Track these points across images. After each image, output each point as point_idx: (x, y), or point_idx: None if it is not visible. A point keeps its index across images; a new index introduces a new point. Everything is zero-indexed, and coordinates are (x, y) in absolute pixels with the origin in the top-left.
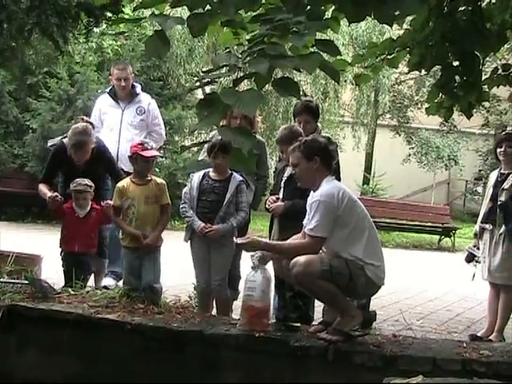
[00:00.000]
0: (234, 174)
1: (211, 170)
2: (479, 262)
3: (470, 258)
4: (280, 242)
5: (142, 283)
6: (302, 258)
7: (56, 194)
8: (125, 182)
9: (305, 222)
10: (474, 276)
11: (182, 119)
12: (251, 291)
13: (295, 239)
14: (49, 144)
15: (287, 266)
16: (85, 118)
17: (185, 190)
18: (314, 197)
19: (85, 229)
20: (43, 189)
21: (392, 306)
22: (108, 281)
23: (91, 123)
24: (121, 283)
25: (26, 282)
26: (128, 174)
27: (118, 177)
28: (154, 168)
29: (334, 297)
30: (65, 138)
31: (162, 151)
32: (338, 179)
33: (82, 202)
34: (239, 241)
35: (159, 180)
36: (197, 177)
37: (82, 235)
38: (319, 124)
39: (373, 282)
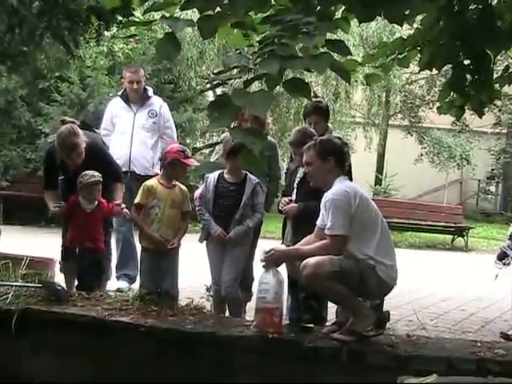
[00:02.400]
0: (249, 175)
1: (225, 171)
2: (509, 264)
3: (502, 257)
4: (301, 247)
5: (158, 287)
6: (311, 260)
7: (56, 205)
8: (153, 182)
9: (318, 222)
10: (496, 276)
11: (193, 122)
12: (264, 293)
13: (308, 240)
14: (49, 140)
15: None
16: (66, 118)
17: (198, 191)
18: (326, 196)
19: (93, 224)
20: (47, 198)
21: (405, 306)
22: (121, 283)
23: (74, 122)
24: (133, 286)
25: (40, 285)
26: (140, 176)
27: (118, 176)
28: None
29: (345, 297)
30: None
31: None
32: (350, 180)
33: (91, 196)
34: (263, 257)
35: (183, 186)
36: (212, 179)
37: (90, 231)
38: (330, 125)
39: (385, 282)
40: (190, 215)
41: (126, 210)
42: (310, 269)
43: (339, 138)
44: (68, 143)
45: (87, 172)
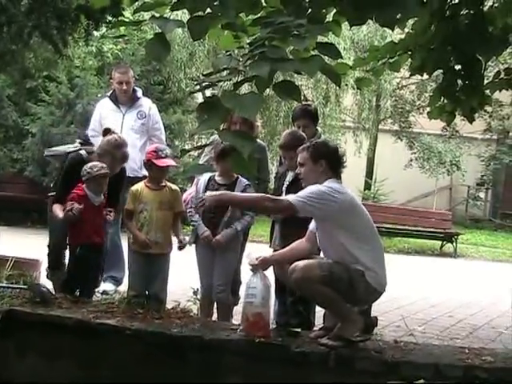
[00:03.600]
0: (240, 177)
1: (217, 173)
2: None
3: None
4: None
5: (147, 290)
6: (300, 264)
7: (70, 206)
8: (139, 186)
9: (310, 226)
10: None
11: (182, 124)
12: (251, 297)
13: (298, 244)
14: (47, 153)
15: (289, 271)
16: (111, 128)
17: (186, 193)
18: None
19: (100, 218)
20: (56, 209)
21: (393, 311)
22: (107, 286)
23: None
24: (120, 288)
25: (25, 286)
26: (129, 178)
27: (117, 203)
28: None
29: (333, 302)
30: (80, 149)
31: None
32: None
33: (100, 189)
34: (251, 263)
35: (174, 186)
36: (203, 181)
37: (99, 225)
38: (319, 128)
39: (374, 289)
40: (182, 216)
41: (109, 216)
42: (299, 272)
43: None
44: (121, 153)
45: (95, 163)
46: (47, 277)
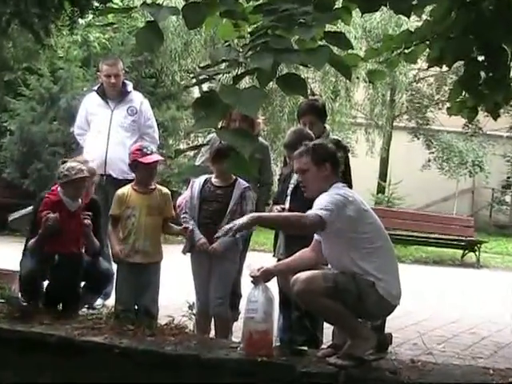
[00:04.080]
0: (239, 179)
1: (213, 175)
2: None
3: None
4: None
5: (137, 304)
6: (303, 275)
7: (46, 216)
8: (125, 190)
9: (316, 234)
10: None
11: (176, 120)
12: (252, 312)
13: (303, 253)
14: (11, 219)
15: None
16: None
17: (181, 197)
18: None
19: (78, 225)
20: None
21: (410, 327)
22: None
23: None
24: (107, 302)
25: (3, 300)
26: (117, 181)
27: (97, 247)
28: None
29: (341, 317)
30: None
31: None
32: (350, 187)
33: (77, 193)
34: (251, 274)
35: (164, 190)
36: (198, 183)
37: (74, 233)
38: (328, 126)
39: (386, 301)
40: (174, 221)
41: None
42: (301, 284)
43: (338, 142)
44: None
45: (73, 165)
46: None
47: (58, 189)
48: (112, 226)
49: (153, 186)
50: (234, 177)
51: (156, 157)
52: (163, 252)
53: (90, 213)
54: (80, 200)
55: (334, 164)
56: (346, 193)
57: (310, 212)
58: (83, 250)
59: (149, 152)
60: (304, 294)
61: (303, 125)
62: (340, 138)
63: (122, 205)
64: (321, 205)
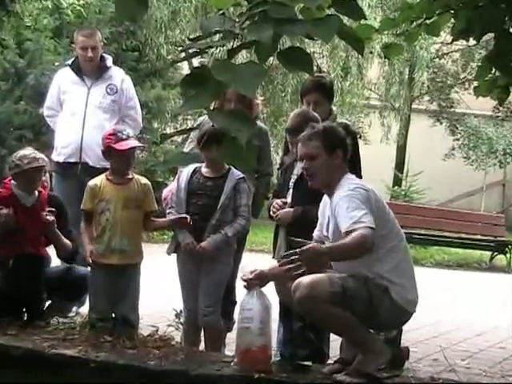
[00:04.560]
0: (233, 169)
1: (203, 164)
2: None
3: None
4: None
5: (114, 312)
6: (305, 279)
7: None
8: (98, 180)
9: (315, 233)
10: None
11: (162, 101)
12: (247, 322)
13: None
14: None
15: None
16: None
17: (167, 190)
18: (337, 195)
19: (35, 222)
20: None
21: (430, 340)
22: None
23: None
24: (82, 309)
25: None
26: (94, 169)
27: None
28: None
29: (350, 327)
30: None
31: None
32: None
33: (32, 186)
34: (244, 278)
35: (143, 180)
36: (185, 174)
37: (32, 231)
38: (336, 108)
39: (401, 308)
40: (156, 215)
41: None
42: (304, 290)
43: (346, 126)
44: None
45: (26, 153)
46: None
47: (11, 182)
48: (85, 222)
49: (130, 176)
50: (228, 166)
51: (132, 142)
52: (145, 252)
53: (53, 209)
54: (36, 193)
55: (345, 151)
56: (364, 185)
57: (354, 235)
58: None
59: (124, 137)
60: (307, 301)
61: (307, 104)
62: (349, 123)
63: (95, 197)
64: (355, 216)
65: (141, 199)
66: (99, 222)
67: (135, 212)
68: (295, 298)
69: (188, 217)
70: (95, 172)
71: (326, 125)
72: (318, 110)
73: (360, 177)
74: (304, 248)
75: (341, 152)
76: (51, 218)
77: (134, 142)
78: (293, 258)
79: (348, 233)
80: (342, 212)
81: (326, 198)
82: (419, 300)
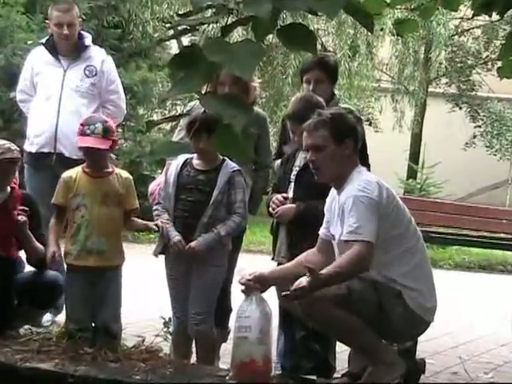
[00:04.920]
0: (227, 161)
1: (194, 156)
2: None
3: None
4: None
5: (93, 320)
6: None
7: None
8: (74, 172)
9: (322, 230)
10: None
11: (148, 84)
12: (245, 331)
13: (309, 256)
14: None
15: None
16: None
17: (153, 184)
18: (345, 193)
19: (7, 221)
20: None
21: (449, 351)
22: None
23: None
24: (59, 318)
25: None
26: (70, 161)
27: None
28: (113, 155)
29: (358, 332)
30: None
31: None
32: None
33: (4, 180)
34: (241, 281)
35: (125, 174)
36: (175, 166)
37: (2, 231)
38: (344, 92)
39: (417, 316)
40: (137, 214)
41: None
42: None
43: (350, 112)
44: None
45: None
46: None
47: None
48: (55, 218)
49: (109, 169)
50: (221, 158)
51: (90, 142)
52: (129, 253)
53: (26, 208)
54: (9, 189)
55: (355, 141)
56: (374, 182)
57: (356, 249)
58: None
59: (87, 132)
60: (309, 304)
61: (306, 83)
62: (352, 108)
63: (69, 191)
64: (361, 225)
65: (121, 195)
66: (73, 219)
67: (114, 209)
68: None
69: (166, 225)
70: (71, 164)
71: (334, 111)
72: (319, 91)
73: (368, 167)
74: (308, 282)
75: (351, 142)
76: (23, 218)
77: (92, 142)
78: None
79: (344, 242)
80: (345, 215)
81: (333, 191)
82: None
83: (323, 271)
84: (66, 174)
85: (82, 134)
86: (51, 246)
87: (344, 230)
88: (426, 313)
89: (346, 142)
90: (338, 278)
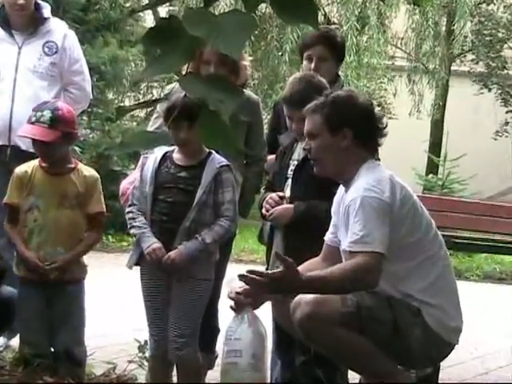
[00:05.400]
0: (214, 154)
1: (175, 149)
2: None
3: None
4: (318, 272)
5: (53, 344)
6: (310, 294)
7: None
8: (29, 167)
9: (328, 236)
10: None
11: (119, 63)
12: (235, 356)
13: (311, 266)
14: None
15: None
16: None
17: (125, 182)
18: (351, 193)
19: None
20: None
21: (477, 379)
22: None
23: None
24: (14, 342)
25: None
26: (26, 154)
27: None
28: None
29: (369, 359)
30: None
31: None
32: None
33: None
34: (231, 296)
35: (89, 172)
36: (152, 161)
37: None
38: (351, 71)
39: (438, 338)
40: (101, 220)
41: None
42: (307, 307)
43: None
44: None
45: None
46: None
47: None
48: (9, 222)
49: (72, 165)
50: (207, 151)
51: (30, 131)
52: (97, 264)
53: None
54: None
55: (361, 131)
56: (386, 179)
57: (358, 259)
58: None
59: (33, 120)
60: (310, 323)
61: (307, 60)
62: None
63: (23, 189)
64: (367, 233)
65: (83, 196)
66: (25, 223)
67: (75, 212)
68: (295, 318)
69: (142, 230)
70: (28, 158)
71: (342, 93)
72: (322, 70)
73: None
74: (275, 273)
75: (350, 132)
76: None
77: (29, 132)
78: (256, 278)
79: (349, 253)
80: (350, 220)
81: (341, 190)
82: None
83: (309, 273)
84: (21, 169)
85: (28, 121)
86: (25, 253)
87: (348, 238)
88: (450, 333)
89: (343, 132)
90: (324, 287)
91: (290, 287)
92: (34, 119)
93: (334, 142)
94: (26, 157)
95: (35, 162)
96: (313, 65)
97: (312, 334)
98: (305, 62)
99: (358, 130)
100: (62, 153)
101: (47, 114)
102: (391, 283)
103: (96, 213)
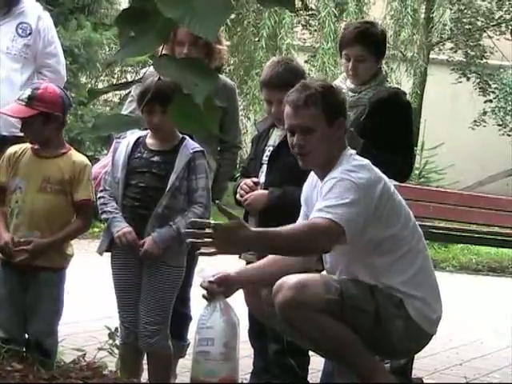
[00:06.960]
0: (187, 140)
1: (148, 134)
2: None
3: None
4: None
5: (26, 331)
6: (292, 278)
7: None
8: (20, 148)
9: (299, 222)
10: None
11: (92, 46)
12: (206, 345)
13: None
14: None
15: (269, 299)
16: None
17: (97, 166)
18: (327, 177)
19: None
20: None
21: (451, 370)
22: None
23: None
24: None
25: None
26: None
27: None
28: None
29: (347, 347)
30: None
31: None
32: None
33: None
34: (203, 285)
35: (79, 158)
36: (124, 146)
37: None
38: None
39: (419, 329)
40: (90, 208)
41: None
42: (289, 292)
43: (403, 93)
44: None
45: None
46: None
47: None
48: None
49: (63, 150)
50: (181, 136)
51: (7, 109)
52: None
53: None
54: None
55: (345, 119)
56: (367, 167)
57: (316, 221)
58: None
59: (16, 98)
60: (291, 308)
61: (345, 60)
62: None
63: (10, 170)
64: (334, 205)
65: (69, 182)
66: (10, 204)
67: (59, 198)
68: (276, 302)
69: (113, 215)
70: (6, 143)
71: (323, 83)
72: (361, 69)
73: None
74: (223, 225)
75: (343, 120)
76: None
77: (8, 109)
78: (204, 231)
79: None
80: (326, 194)
81: (313, 178)
82: None
83: (260, 228)
84: (11, 149)
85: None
86: (4, 234)
87: (315, 208)
88: (431, 325)
89: (340, 121)
90: (276, 240)
91: (237, 239)
92: (16, 98)
93: (331, 133)
94: (5, 142)
95: (26, 146)
96: (350, 65)
97: (293, 320)
98: (343, 61)
99: (345, 117)
100: (46, 135)
101: (27, 91)
102: (373, 276)
103: (82, 200)
